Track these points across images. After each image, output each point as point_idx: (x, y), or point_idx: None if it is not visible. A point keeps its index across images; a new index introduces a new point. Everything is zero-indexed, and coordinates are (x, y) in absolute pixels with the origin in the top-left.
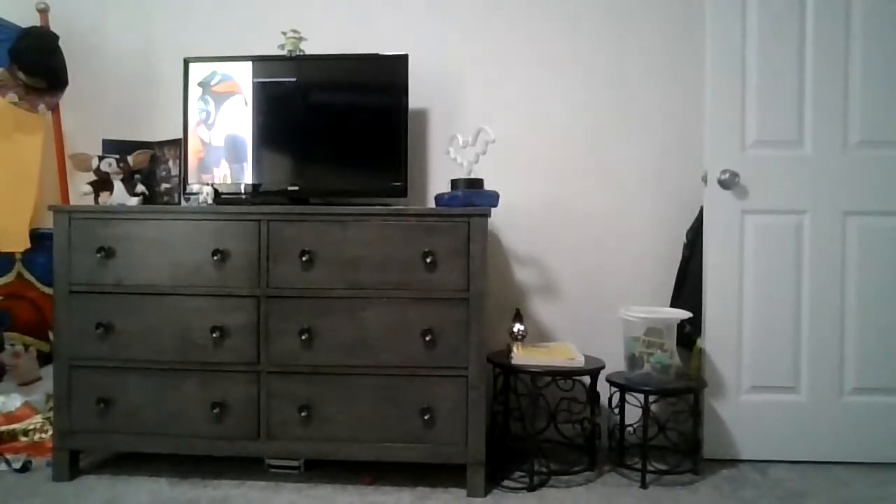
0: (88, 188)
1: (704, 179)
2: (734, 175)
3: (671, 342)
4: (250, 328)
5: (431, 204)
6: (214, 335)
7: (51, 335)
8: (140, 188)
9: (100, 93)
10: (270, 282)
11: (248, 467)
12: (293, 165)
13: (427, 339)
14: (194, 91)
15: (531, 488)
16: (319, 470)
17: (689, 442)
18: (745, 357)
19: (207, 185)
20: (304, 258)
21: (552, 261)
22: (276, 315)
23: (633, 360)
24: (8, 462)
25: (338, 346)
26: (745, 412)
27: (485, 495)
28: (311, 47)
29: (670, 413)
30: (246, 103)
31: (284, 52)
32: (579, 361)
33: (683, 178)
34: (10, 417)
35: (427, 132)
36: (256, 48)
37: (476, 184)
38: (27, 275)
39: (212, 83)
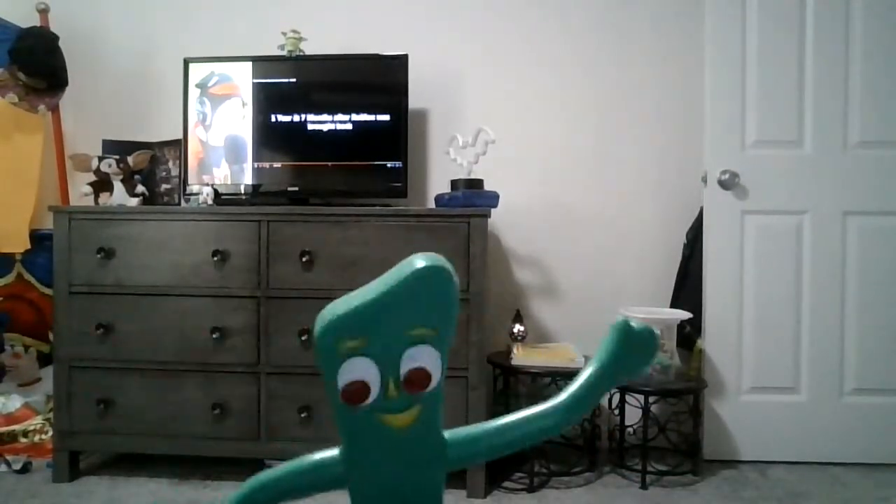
0: (88, 189)
1: (704, 180)
2: (734, 175)
3: (671, 343)
4: (250, 329)
5: (431, 204)
6: (214, 336)
7: (51, 336)
8: (140, 189)
9: (100, 93)
10: (270, 282)
11: (248, 468)
12: (293, 166)
13: None
14: (194, 92)
15: (531, 489)
16: None
17: (690, 443)
18: (745, 357)
19: (207, 185)
20: (304, 259)
21: (552, 261)
22: (276, 316)
23: None
24: (8, 463)
25: None
26: (745, 412)
27: (485, 496)
28: (311, 47)
29: (670, 414)
30: (244, 104)
31: (284, 53)
32: (579, 362)
33: (683, 179)
34: (10, 418)
35: (427, 132)
36: (256, 48)
37: (476, 184)
38: (27, 275)
39: (209, 84)
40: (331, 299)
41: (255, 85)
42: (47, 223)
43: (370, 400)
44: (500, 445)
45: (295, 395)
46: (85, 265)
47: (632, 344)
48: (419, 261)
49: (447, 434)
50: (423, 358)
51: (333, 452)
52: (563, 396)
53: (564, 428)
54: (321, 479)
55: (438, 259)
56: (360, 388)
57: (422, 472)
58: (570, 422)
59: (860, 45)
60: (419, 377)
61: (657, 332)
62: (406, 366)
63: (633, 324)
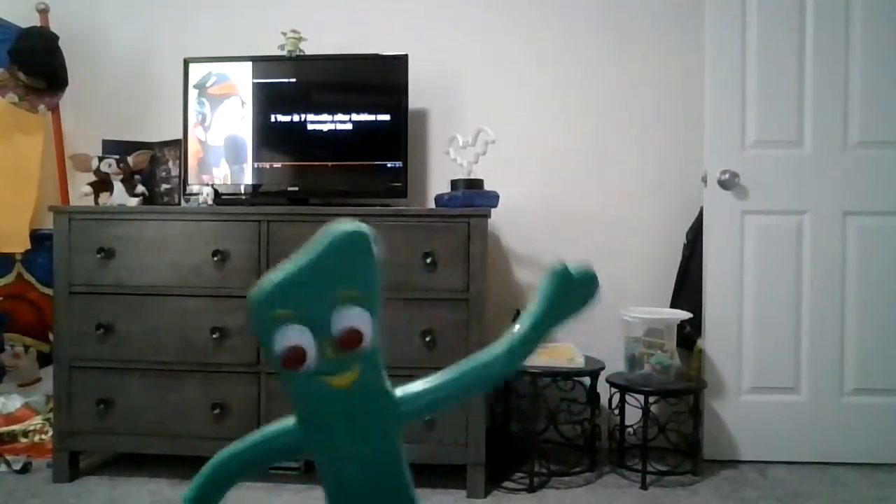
0: (88, 189)
1: (704, 180)
2: (734, 175)
3: (671, 343)
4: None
5: (431, 204)
6: (214, 336)
7: (51, 336)
8: (140, 189)
9: (100, 93)
10: None
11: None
12: (293, 166)
13: (427, 339)
14: (193, 92)
15: (531, 489)
16: None
17: (690, 443)
18: (745, 357)
19: (207, 185)
20: None
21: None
22: None
23: (633, 361)
24: (8, 463)
25: None
26: (745, 412)
27: (485, 496)
28: (311, 47)
29: (670, 414)
30: (243, 104)
31: (284, 53)
32: (579, 362)
33: (683, 179)
34: (10, 418)
35: (427, 132)
36: (256, 48)
37: (476, 184)
38: (27, 276)
39: (207, 85)
40: None
41: (254, 85)
42: (47, 223)
43: (309, 363)
44: (451, 395)
45: None
46: (85, 265)
47: (573, 287)
48: (337, 228)
49: (398, 391)
50: (353, 319)
51: (290, 421)
52: (505, 341)
53: (510, 372)
54: (280, 447)
55: (356, 224)
56: (296, 353)
57: (375, 428)
58: (515, 365)
59: (860, 45)
60: (352, 337)
61: (596, 275)
62: (337, 327)
63: (573, 269)
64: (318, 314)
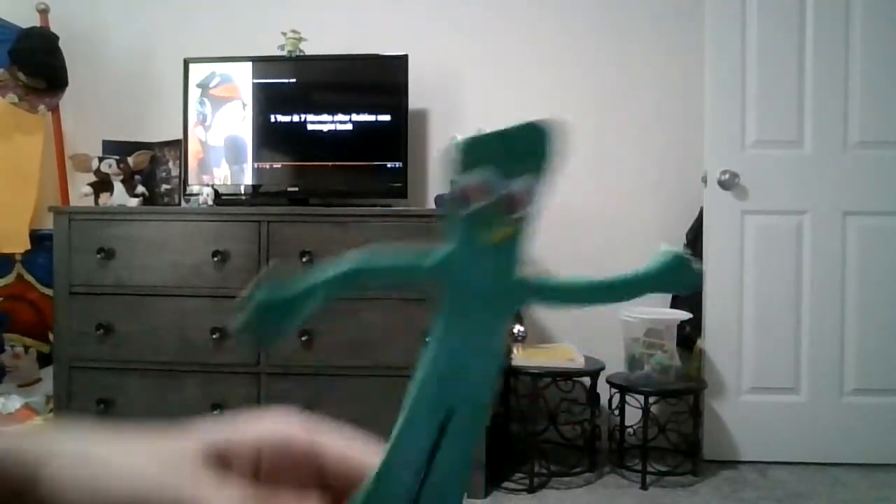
0: (88, 189)
1: (704, 180)
2: (734, 175)
3: (671, 343)
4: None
5: (431, 204)
6: (214, 336)
7: (51, 336)
8: (140, 189)
9: (100, 93)
10: None
11: None
12: (293, 166)
13: (427, 339)
14: (194, 92)
15: (531, 490)
16: None
17: (690, 443)
18: (745, 358)
19: (207, 185)
20: (304, 259)
21: (552, 261)
22: None
23: (633, 362)
24: None
25: (338, 347)
26: (745, 413)
27: (485, 496)
28: (311, 47)
29: (670, 414)
30: (244, 107)
31: (284, 53)
32: (579, 362)
33: (683, 179)
34: (10, 419)
35: (427, 132)
36: (256, 48)
37: None
38: (27, 276)
39: (210, 85)
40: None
41: (255, 85)
42: (47, 223)
43: (485, 202)
44: (576, 296)
45: (295, 395)
46: (85, 265)
47: (680, 268)
48: (537, 119)
49: (532, 273)
50: (529, 185)
51: (427, 258)
52: (623, 275)
53: (624, 299)
54: (414, 280)
55: (551, 122)
56: (481, 187)
57: (499, 298)
58: (629, 297)
59: (860, 45)
60: (524, 197)
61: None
62: (515, 187)
63: (685, 254)
64: (508, 170)
